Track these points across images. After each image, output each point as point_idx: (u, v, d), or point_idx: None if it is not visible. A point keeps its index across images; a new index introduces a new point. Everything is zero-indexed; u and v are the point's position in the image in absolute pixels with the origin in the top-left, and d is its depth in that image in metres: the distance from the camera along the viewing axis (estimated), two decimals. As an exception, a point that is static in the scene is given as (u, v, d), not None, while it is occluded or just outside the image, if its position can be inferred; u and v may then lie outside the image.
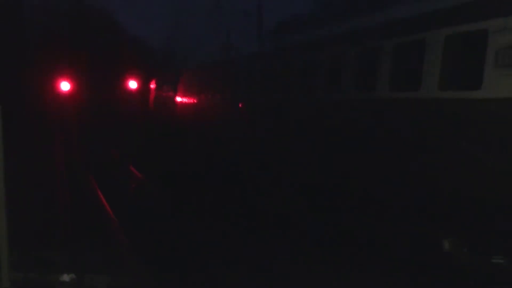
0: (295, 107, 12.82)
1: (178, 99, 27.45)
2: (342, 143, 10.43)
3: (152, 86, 31.07)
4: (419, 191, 8.36)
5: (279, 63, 14.19)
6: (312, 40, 12.54)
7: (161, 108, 28.47)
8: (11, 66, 27.11)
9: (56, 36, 31.83)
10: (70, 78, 29.85)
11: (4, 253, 4.53)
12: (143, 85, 32.60)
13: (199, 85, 23.35)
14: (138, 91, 33.31)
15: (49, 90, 29.39)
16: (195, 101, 24.25)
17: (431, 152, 8.17)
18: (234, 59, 22.14)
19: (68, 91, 30.00)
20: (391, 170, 9.04)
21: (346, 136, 10.33)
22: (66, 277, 6.77)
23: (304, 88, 12.45)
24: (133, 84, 33.10)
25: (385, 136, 9.20)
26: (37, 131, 23.43)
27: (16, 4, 26.43)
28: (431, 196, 8.13)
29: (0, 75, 25.84)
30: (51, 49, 30.07)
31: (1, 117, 4.24)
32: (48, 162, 18.38)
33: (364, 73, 10.17)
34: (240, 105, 16.87)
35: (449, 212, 7.78)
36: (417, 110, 8.58)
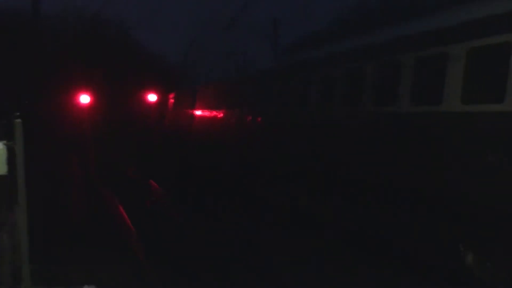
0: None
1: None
2: None
3: (170, 100, 31.27)
4: None
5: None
6: None
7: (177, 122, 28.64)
8: (32, 80, 27.49)
9: (75, 52, 32.25)
10: (90, 92, 30.11)
11: (26, 269, 4.57)
12: (161, 99, 32.78)
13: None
14: (156, 105, 33.48)
15: (69, 103, 29.70)
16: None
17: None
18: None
19: (88, 103, 30.21)
20: None
21: None
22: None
23: None
24: (152, 98, 33.26)
25: None
26: (57, 142, 23.67)
27: (35, 21, 26.77)
28: None
29: (22, 90, 26.16)
30: (71, 64, 30.46)
31: (22, 130, 4.29)
32: (66, 171, 18.57)
33: None
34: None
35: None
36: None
